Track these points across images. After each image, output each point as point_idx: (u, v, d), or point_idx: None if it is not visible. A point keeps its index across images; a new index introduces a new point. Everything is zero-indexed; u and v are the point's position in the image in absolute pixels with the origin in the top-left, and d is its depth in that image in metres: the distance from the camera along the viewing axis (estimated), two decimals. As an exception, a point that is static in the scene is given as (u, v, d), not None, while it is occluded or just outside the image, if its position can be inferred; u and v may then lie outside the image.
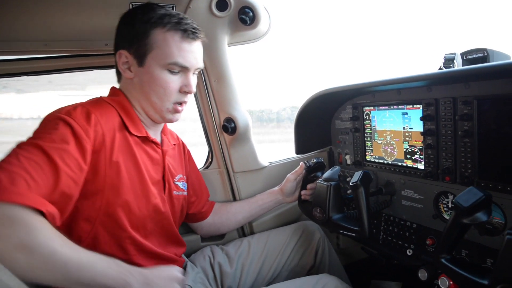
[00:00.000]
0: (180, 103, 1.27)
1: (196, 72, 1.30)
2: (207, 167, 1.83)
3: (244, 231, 1.80)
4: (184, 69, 1.22)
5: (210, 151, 1.83)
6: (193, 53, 1.23)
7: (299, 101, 1.86)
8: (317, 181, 1.46)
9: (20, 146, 0.93)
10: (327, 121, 1.91)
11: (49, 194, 0.89)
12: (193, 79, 1.27)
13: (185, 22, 1.21)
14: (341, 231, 1.37)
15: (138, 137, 1.22)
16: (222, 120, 1.72)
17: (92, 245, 1.09)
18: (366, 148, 1.67)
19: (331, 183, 1.40)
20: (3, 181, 0.82)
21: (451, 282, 1.09)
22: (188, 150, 1.57)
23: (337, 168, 1.46)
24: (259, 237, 1.63)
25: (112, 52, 1.26)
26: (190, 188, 1.50)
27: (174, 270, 1.21)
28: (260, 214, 1.69)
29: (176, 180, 1.38)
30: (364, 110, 1.65)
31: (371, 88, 1.55)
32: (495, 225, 1.14)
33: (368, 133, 1.65)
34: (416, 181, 1.44)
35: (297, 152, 1.91)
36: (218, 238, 1.76)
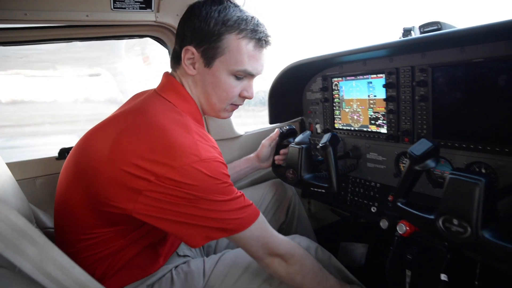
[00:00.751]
0: (236, 105, 1.31)
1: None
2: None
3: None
4: (249, 76, 1.24)
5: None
6: (261, 61, 1.25)
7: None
8: (290, 145, 1.59)
9: None
10: (299, 93, 2.03)
11: None
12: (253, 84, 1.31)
13: (260, 30, 1.20)
14: (312, 188, 1.50)
15: None
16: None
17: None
18: (335, 116, 1.80)
19: (303, 146, 1.53)
20: None
21: (407, 228, 1.25)
22: None
23: (307, 132, 1.59)
24: None
25: (94, 24, 1.29)
26: None
27: None
28: (237, 180, 1.79)
29: None
30: (332, 81, 1.78)
31: (338, 59, 1.67)
32: (446, 178, 1.30)
33: (337, 103, 1.78)
34: (380, 144, 1.59)
35: (271, 122, 2.03)
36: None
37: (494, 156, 1.16)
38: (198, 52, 1.18)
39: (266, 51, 1.25)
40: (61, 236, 1.18)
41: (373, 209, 1.61)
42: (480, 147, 1.19)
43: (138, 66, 3.04)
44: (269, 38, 1.23)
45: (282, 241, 1.23)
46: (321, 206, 2.18)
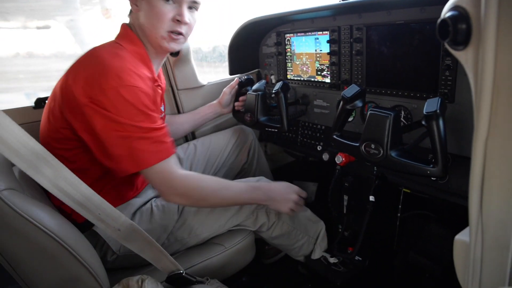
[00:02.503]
0: (178, 33, 1.39)
1: (195, 7, 1.42)
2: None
3: (188, 139, 2.14)
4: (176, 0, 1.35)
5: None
6: None
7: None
8: (248, 92, 1.83)
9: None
10: (256, 47, 2.24)
11: None
12: (189, 13, 1.39)
13: None
14: (267, 128, 1.77)
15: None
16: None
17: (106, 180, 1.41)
18: (287, 68, 2.05)
19: (259, 92, 1.78)
20: None
21: (343, 158, 1.55)
22: None
23: (263, 81, 1.84)
24: (203, 140, 1.99)
25: None
26: None
27: (289, 184, 1.59)
28: (202, 124, 2.03)
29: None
30: (285, 36, 2.00)
31: (290, 17, 1.89)
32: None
33: (289, 56, 2.01)
34: (324, 92, 1.86)
35: (231, 73, 2.24)
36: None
37: (410, 100, 1.45)
38: None
39: None
40: None
41: (319, 148, 1.90)
42: (400, 93, 1.47)
43: (97, 19, 2.99)
44: None
45: (182, 177, 1.38)
46: (276, 148, 2.47)
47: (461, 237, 0.80)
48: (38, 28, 2.92)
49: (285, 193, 1.55)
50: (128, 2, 1.39)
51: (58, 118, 1.30)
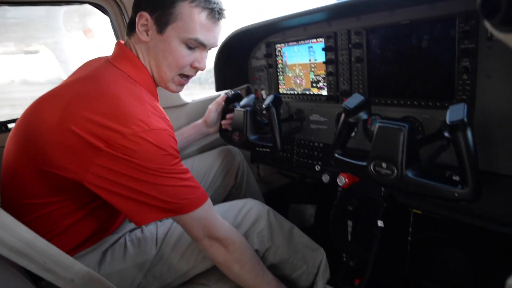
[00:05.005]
0: (187, 76, 1.30)
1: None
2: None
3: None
4: (201, 46, 1.24)
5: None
6: (214, 33, 1.25)
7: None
8: (235, 108, 1.64)
9: None
10: (244, 60, 2.07)
11: None
12: (206, 56, 1.30)
13: (214, 1, 1.20)
14: (258, 148, 1.58)
15: None
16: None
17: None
18: (279, 81, 1.87)
19: (247, 108, 1.59)
20: None
21: (346, 179, 1.35)
22: None
23: (252, 96, 1.65)
24: (185, 163, 1.78)
25: None
26: None
27: None
28: (186, 146, 1.82)
29: None
30: (276, 47, 1.83)
31: (281, 25, 1.72)
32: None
33: (280, 68, 1.84)
34: (321, 106, 1.67)
35: (217, 89, 2.06)
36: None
37: (420, 110, 1.28)
38: (151, 18, 1.18)
39: (220, 24, 1.26)
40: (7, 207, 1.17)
41: (317, 168, 1.71)
42: (408, 102, 1.30)
43: (79, 40, 2.87)
44: (222, 11, 1.24)
45: (225, 226, 1.25)
46: (269, 170, 2.27)
47: None
48: (27, 53, 2.83)
49: None
50: (135, 24, 1.21)
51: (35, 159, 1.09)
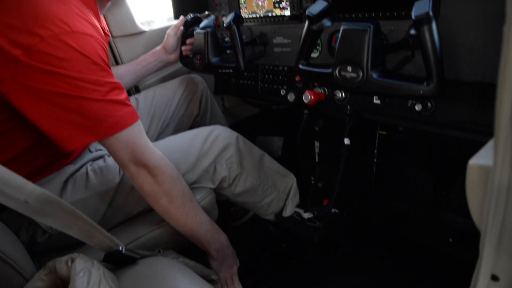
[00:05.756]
0: None
1: None
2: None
3: (131, 93, 1.85)
4: None
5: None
6: None
7: None
8: (195, 31, 1.55)
9: None
10: (202, -15, 1.95)
11: None
12: None
13: None
14: (220, 70, 1.52)
15: None
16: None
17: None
18: (240, 5, 1.77)
19: (208, 29, 1.50)
20: None
21: (311, 96, 1.33)
22: None
23: (212, 17, 1.56)
24: (146, 93, 1.71)
25: None
26: None
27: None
28: (146, 75, 1.74)
29: None
30: (235, -34, 1.72)
31: None
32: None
33: (241, -10, 1.74)
34: (284, 27, 1.61)
35: (176, 17, 1.94)
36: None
37: (385, 22, 1.24)
38: None
39: None
40: None
41: (283, 92, 1.67)
42: (373, 14, 1.26)
43: None
44: None
45: (155, 154, 1.16)
46: (234, 101, 2.22)
47: (479, 161, 0.58)
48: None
49: (234, 261, 1.42)
50: None
51: None
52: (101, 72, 1.00)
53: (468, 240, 1.53)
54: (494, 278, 0.53)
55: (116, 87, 1.05)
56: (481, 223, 0.57)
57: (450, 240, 1.60)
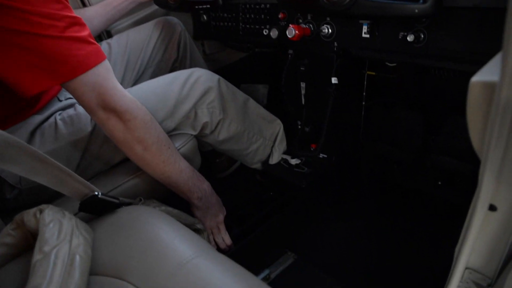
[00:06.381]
0: None
1: None
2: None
3: (102, 38, 1.73)
4: None
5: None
6: None
7: None
8: None
9: None
10: None
11: None
12: None
13: None
14: (196, 6, 1.41)
15: None
16: None
17: None
18: None
19: (180, -38, 1.38)
20: None
21: (296, 31, 1.24)
22: None
23: None
24: (119, 38, 1.58)
25: None
26: None
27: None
28: (117, 18, 1.61)
29: None
30: None
31: None
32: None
33: None
34: None
35: None
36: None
37: None
38: None
39: None
40: None
41: (265, 32, 1.56)
42: None
43: None
44: None
45: (125, 98, 1.05)
46: (215, 47, 2.10)
47: (482, 77, 0.51)
48: None
49: (219, 209, 1.36)
50: None
51: None
52: (56, 5, 0.88)
53: (456, 182, 1.52)
54: (492, 208, 0.50)
55: (76, 22, 0.93)
56: (481, 150, 0.52)
57: (439, 183, 1.58)
